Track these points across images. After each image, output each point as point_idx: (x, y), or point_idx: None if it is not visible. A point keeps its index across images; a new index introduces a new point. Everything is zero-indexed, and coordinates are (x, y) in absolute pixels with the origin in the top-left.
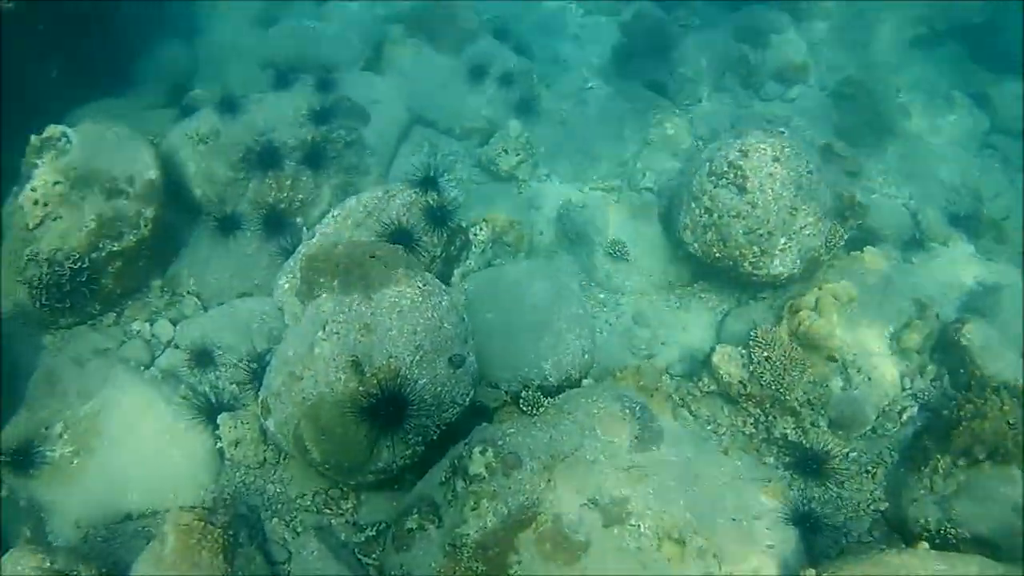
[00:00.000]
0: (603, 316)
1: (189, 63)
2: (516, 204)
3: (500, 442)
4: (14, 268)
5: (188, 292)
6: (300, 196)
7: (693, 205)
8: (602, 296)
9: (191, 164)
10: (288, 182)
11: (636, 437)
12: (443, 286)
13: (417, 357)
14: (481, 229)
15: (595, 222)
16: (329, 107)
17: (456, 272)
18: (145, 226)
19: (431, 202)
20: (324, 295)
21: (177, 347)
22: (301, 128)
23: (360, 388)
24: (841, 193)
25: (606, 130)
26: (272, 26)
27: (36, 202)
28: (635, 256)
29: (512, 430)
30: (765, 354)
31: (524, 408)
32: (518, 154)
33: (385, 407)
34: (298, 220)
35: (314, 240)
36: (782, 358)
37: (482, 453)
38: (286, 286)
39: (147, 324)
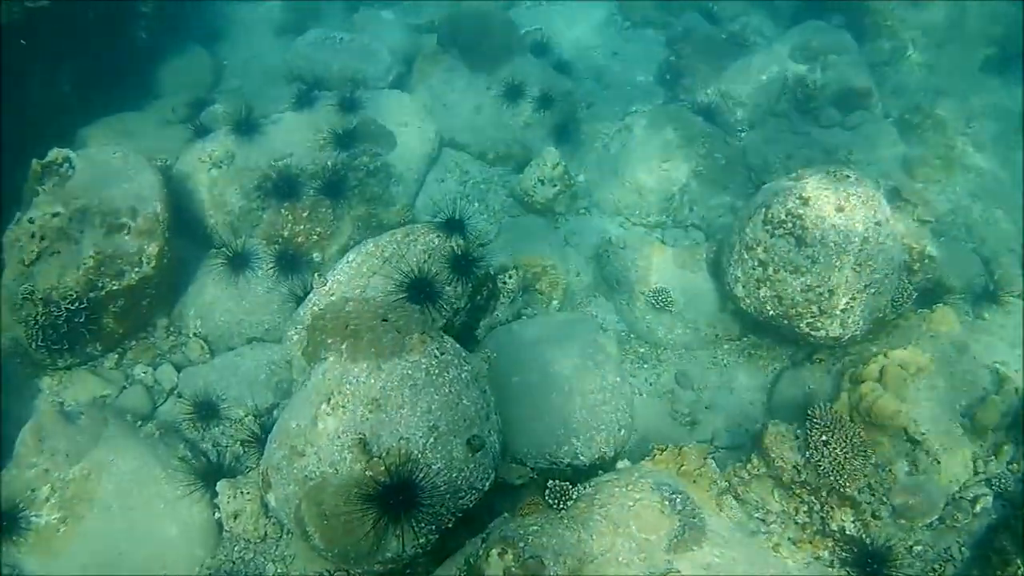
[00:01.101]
0: (642, 374)
1: (212, 73)
2: (551, 242)
3: (521, 543)
4: (11, 304)
5: (194, 334)
6: (318, 230)
7: (746, 256)
8: (642, 351)
9: (203, 190)
10: (305, 214)
11: (675, 535)
12: (464, 353)
13: (431, 439)
14: (511, 277)
15: (637, 266)
16: (352, 130)
17: (482, 324)
18: (148, 263)
19: (455, 248)
20: (331, 359)
21: (180, 396)
22: (322, 152)
23: (367, 472)
24: (910, 245)
25: (651, 159)
26: (300, 34)
27: (33, 235)
28: (680, 306)
29: (535, 528)
30: (823, 438)
31: (550, 500)
32: (555, 185)
33: (394, 495)
34: (315, 255)
35: (326, 287)
36: (843, 443)
37: (500, 555)
38: (295, 338)
39: (150, 368)
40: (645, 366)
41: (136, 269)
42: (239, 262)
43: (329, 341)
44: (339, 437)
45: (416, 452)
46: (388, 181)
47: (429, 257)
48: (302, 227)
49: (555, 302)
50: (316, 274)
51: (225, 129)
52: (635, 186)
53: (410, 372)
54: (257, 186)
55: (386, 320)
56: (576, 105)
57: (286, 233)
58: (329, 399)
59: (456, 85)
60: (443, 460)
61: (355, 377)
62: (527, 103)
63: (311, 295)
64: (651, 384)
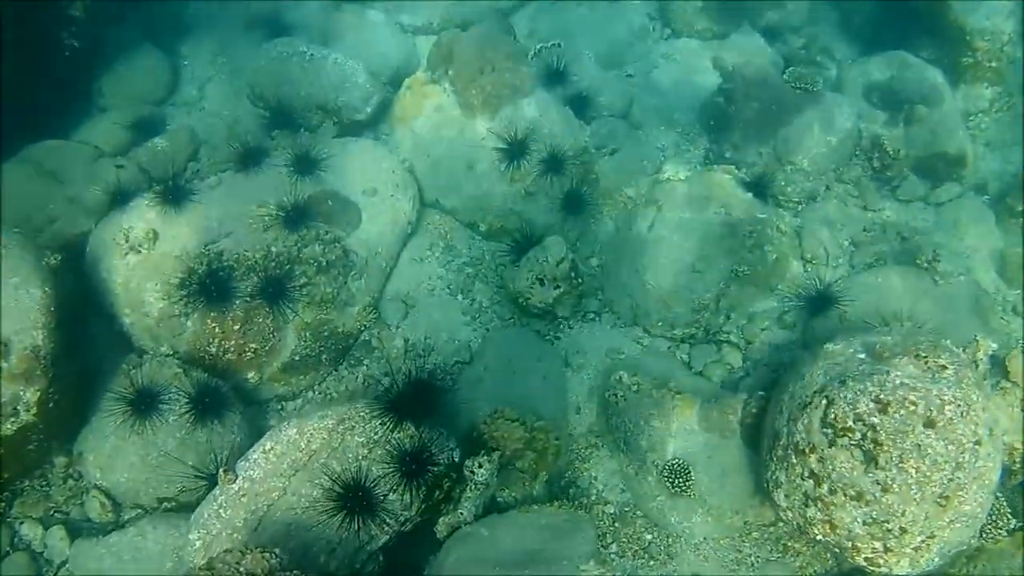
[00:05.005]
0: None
1: (166, 80)
2: (546, 372)
3: None
4: None
5: (95, 485)
6: (252, 345)
7: (794, 460)
8: (649, 538)
9: (118, 281)
10: (237, 326)
11: None
12: None
13: None
14: (481, 466)
15: (651, 427)
16: (304, 205)
17: (442, 521)
18: (27, 411)
19: (406, 442)
20: None
21: None
22: (266, 232)
23: None
24: (1012, 444)
25: (682, 255)
26: (272, 30)
27: None
28: (702, 487)
29: None
30: None
31: None
32: (558, 287)
33: None
34: (250, 376)
35: (236, 486)
36: None
37: None
38: (198, 543)
39: (40, 527)
40: (651, 563)
41: (12, 420)
42: (145, 403)
43: None
44: None
45: None
46: (346, 275)
47: (370, 452)
48: (233, 342)
49: (543, 475)
50: (222, 470)
51: (150, 197)
52: (659, 291)
53: None
54: (181, 283)
55: None
56: (592, 163)
57: (213, 349)
58: None
59: (445, 131)
60: None
61: None
62: (532, 162)
63: (217, 491)
64: None
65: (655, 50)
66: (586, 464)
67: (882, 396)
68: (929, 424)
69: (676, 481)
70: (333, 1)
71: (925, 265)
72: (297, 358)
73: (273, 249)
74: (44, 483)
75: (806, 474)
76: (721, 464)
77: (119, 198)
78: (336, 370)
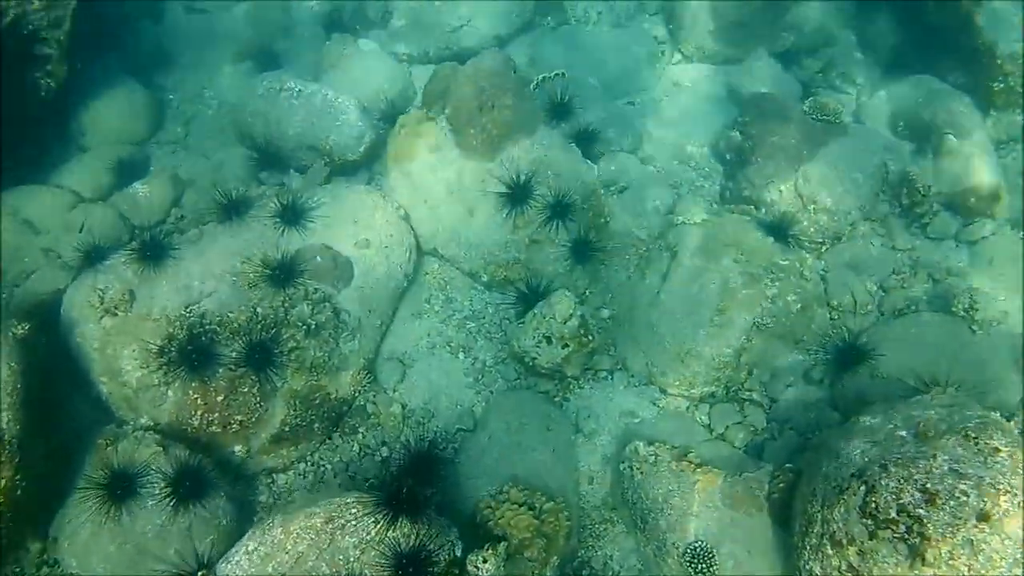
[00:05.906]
0: None
1: (149, 117)
2: (556, 443)
3: None
4: None
5: (72, 574)
6: (238, 417)
7: (830, 551)
8: None
9: (94, 347)
10: (221, 397)
11: None
12: None
13: None
14: (486, 561)
15: (670, 506)
16: (290, 261)
17: None
18: None
19: (402, 541)
20: None
21: None
22: (252, 291)
23: None
24: None
25: (700, 307)
26: (259, 63)
27: None
28: (726, 569)
29: None
30: None
31: None
32: (566, 345)
33: None
34: (236, 449)
35: None
36: None
37: None
38: None
39: None
40: None
41: None
42: (121, 487)
43: None
44: None
45: None
46: (338, 336)
47: (362, 554)
48: (217, 414)
49: (554, 560)
50: (201, 574)
51: (126, 254)
52: (675, 347)
53: None
54: (160, 350)
55: None
56: (601, 206)
57: (196, 422)
58: None
59: (443, 173)
60: None
61: None
62: (536, 207)
63: None
64: None
65: (665, 77)
66: (600, 542)
67: (929, 485)
68: (983, 517)
69: (699, 567)
70: (325, 26)
71: (961, 313)
72: (287, 428)
73: (259, 310)
74: (18, 570)
75: (844, 567)
76: (747, 544)
77: (94, 255)
78: (330, 439)
